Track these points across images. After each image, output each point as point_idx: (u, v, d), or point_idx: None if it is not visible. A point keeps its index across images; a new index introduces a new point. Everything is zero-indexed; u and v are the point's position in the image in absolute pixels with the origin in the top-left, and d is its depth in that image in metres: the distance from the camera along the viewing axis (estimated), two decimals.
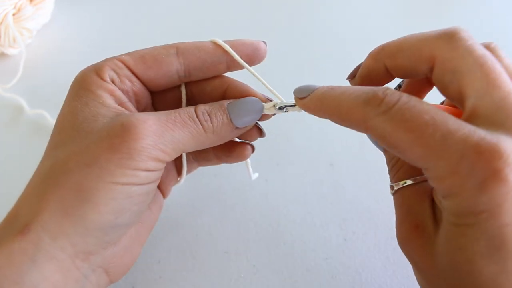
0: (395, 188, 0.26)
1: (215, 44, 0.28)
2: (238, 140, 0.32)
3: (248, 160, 0.33)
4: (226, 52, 0.28)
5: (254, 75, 0.29)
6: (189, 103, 0.30)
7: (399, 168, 0.26)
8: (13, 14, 0.47)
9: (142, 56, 0.27)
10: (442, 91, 0.24)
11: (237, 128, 0.27)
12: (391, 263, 0.33)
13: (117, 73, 0.27)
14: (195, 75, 0.29)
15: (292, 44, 0.51)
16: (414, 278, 0.25)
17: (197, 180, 0.39)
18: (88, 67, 0.27)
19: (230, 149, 0.31)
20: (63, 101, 0.27)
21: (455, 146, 0.19)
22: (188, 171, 0.33)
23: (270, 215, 0.36)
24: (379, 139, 0.22)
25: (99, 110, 0.25)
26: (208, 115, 0.26)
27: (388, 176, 0.28)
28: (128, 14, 0.56)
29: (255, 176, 0.36)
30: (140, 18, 0.55)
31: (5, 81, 0.47)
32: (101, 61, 0.27)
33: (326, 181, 0.39)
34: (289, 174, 0.39)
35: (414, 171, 0.25)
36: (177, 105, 0.30)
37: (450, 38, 0.23)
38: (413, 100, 0.21)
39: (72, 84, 0.27)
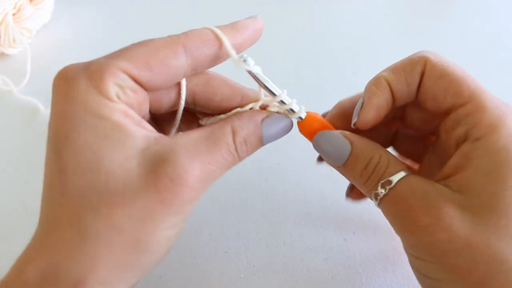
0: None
1: (215, 34, 0.24)
2: None
3: None
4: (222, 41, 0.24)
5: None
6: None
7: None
8: (13, 14, 0.47)
9: (146, 62, 0.23)
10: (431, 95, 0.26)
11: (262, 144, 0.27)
12: (391, 263, 0.33)
13: (121, 86, 0.22)
14: (196, 71, 0.26)
15: (290, 43, 0.51)
16: (414, 278, 0.25)
17: None
18: (82, 80, 0.22)
19: None
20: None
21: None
22: None
23: (270, 215, 0.36)
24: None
25: (126, 143, 0.22)
26: (245, 143, 0.25)
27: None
28: (128, 13, 0.56)
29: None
30: (140, 18, 0.55)
31: (5, 81, 0.47)
32: (97, 71, 0.22)
33: (326, 180, 0.39)
34: (289, 174, 0.39)
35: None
36: (173, 101, 0.27)
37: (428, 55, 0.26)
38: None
39: (69, 106, 0.22)
